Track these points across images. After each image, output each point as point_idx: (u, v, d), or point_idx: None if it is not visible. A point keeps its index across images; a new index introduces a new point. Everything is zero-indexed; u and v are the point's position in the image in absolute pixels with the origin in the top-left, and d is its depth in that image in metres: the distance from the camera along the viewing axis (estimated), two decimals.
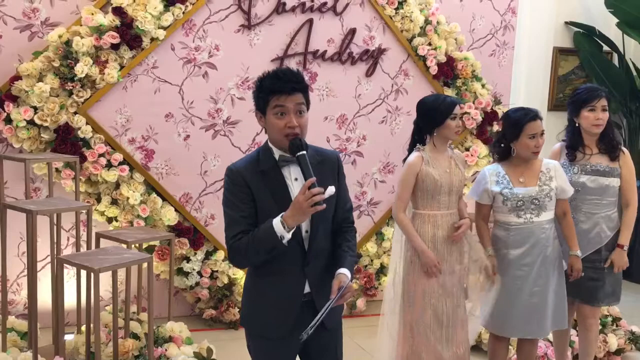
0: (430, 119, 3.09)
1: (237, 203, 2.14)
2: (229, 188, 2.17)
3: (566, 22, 5.94)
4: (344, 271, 2.17)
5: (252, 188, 2.13)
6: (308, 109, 2.18)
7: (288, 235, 2.04)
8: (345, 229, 2.30)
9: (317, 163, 2.16)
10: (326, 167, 2.21)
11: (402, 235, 3.18)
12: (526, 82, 5.67)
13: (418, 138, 3.17)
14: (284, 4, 4.43)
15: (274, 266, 2.17)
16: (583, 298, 3.36)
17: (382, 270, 4.93)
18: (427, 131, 3.12)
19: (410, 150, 3.21)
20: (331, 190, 2.10)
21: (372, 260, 4.91)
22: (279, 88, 2.08)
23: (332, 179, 2.20)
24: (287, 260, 2.16)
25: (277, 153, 2.16)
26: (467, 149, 5.09)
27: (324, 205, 2.01)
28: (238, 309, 4.44)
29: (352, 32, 4.65)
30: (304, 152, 2.06)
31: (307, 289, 2.20)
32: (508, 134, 3.14)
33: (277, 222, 2.04)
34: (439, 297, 3.08)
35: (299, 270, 2.18)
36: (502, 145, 3.18)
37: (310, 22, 4.52)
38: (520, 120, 3.08)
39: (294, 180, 2.17)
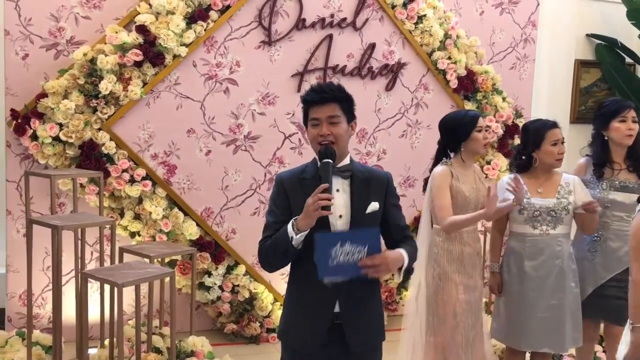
0: (456, 135, 3.07)
1: (274, 209, 2.26)
2: (271, 194, 2.31)
3: (587, 35, 5.90)
4: (397, 249, 2.23)
5: (289, 195, 2.23)
6: (350, 119, 2.27)
7: (297, 237, 2.10)
8: (405, 240, 2.33)
9: (363, 179, 2.26)
10: (372, 185, 2.27)
11: (428, 250, 3.12)
12: (548, 95, 5.63)
13: (442, 157, 3.16)
14: (304, 20, 4.47)
15: (307, 273, 2.20)
16: (609, 317, 3.30)
17: (403, 284, 4.90)
18: (454, 148, 3.09)
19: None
20: (374, 206, 2.23)
21: (393, 275, 4.87)
22: (311, 98, 2.23)
23: (377, 197, 2.26)
24: None
25: (319, 163, 2.24)
26: (488, 163, 5.07)
27: (331, 212, 2.08)
28: (259, 324, 4.45)
29: (372, 46, 4.68)
30: (330, 160, 2.15)
31: (337, 308, 2.21)
32: (529, 144, 3.15)
33: (290, 222, 2.12)
34: (467, 314, 3.05)
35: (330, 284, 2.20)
36: (523, 157, 3.18)
37: (330, 37, 4.55)
38: (541, 129, 3.13)
39: (336, 191, 2.21)
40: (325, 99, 2.20)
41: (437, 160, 3.18)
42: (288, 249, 2.12)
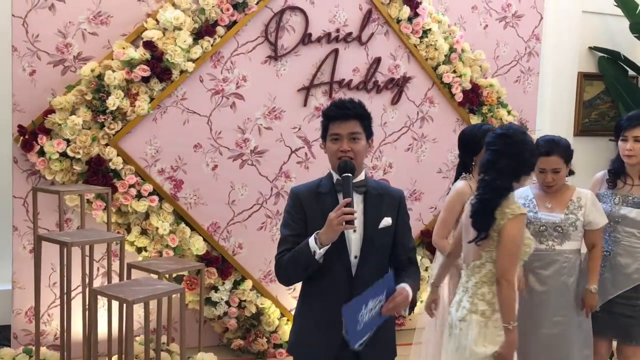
0: (470, 148, 3.10)
1: (290, 222, 2.25)
2: (286, 208, 2.30)
3: (590, 47, 5.93)
4: (402, 284, 2.20)
5: (305, 209, 2.24)
6: (369, 136, 2.29)
7: (319, 251, 2.10)
8: (407, 268, 2.31)
9: (376, 194, 2.27)
10: (385, 200, 2.28)
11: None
12: (551, 108, 5.65)
13: (462, 170, 3.16)
14: (310, 34, 4.49)
15: (321, 287, 2.21)
16: (617, 335, 3.27)
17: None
18: (468, 161, 3.12)
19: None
20: (387, 221, 2.24)
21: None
22: (334, 114, 2.25)
23: (390, 213, 2.27)
24: (333, 283, 2.19)
25: (335, 177, 2.26)
26: None
27: (355, 226, 2.10)
28: (266, 339, 4.42)
29: (377, 61, 4.69)
30: (350, 174, 2.16)
31: None
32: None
33: (312, 237, 2.12)
34: None
35: (345, 297, 2.17)
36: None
37: (335, 52, 4.57)
38: (537, 151, 3.09)
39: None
40: (348, 116, 2.23)
41: (457, 175, 3.19)
42: (310, 263, 2.12)
